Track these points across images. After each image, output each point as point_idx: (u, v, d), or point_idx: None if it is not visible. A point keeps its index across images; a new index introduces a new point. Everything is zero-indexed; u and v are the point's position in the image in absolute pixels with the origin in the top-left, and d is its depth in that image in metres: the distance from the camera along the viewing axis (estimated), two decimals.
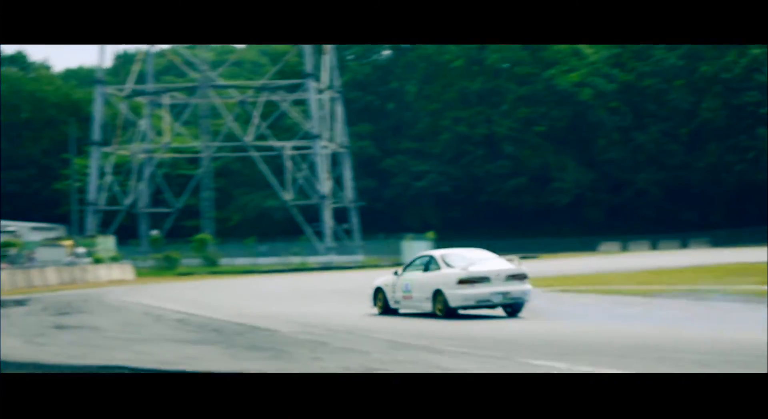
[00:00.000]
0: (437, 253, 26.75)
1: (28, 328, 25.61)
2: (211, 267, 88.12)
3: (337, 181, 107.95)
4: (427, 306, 25.46)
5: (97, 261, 75.89)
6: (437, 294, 25.12)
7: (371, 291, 27.91)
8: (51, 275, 63.52)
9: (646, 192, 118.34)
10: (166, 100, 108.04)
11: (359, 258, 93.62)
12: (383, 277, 27.99)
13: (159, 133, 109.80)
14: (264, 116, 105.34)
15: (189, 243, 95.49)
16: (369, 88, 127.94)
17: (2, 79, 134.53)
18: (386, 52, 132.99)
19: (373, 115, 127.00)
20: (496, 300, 24.80)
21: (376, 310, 27.31)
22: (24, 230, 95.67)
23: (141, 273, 79.34)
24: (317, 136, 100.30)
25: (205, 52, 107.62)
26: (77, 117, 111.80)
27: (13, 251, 77.42)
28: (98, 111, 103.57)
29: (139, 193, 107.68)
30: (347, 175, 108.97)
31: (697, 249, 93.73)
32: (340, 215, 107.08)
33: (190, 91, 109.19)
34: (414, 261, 27.14)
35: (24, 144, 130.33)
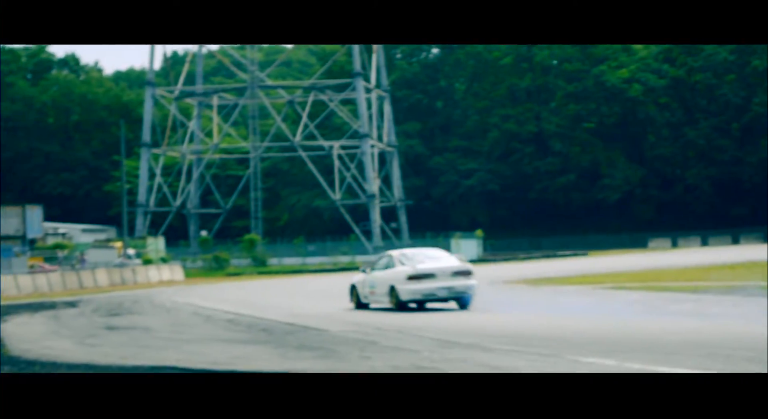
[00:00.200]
0: (395, 253, 29.62)
1: (79, 329, 25.78)
2: (260, 267, 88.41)
3: (386, 180, 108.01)
4: (386, 301, 28.21)
5: (147, 262, 76.37)
6: (392, 290, 27.84)
7: (348, 288, 30.75)
8: (101, 276, 63.96)
9: (696, 187, 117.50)
10: (215, 100, 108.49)
11: None
12: (357, 276, 30.63)
13: (208, 133, 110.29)
14: (312, 116, 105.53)
15: (238, 244, 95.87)
16: (417, 87, 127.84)
17: (54, 82, 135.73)
18: (435, 51, 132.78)
19: (422, 113, 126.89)
20: (441, 294, 27.36)
21: (352, 305, 30.12)
22: (75, 232, 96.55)
23: (190, 273, 79.75)
24: (366, 135, 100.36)
25: (254, 53, 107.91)
26: (127, 119, 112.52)
27: (64, 253, 78.08)
28: (148, 112, 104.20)
29: (189, 194, 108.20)
30: (395, 173, 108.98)
31: (748, 245, 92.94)
32: (389, 214, 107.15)
33: (239, 91, 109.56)
34: (379, 260, 29.74)
35: (75, 146, 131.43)
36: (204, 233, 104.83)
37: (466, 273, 27.56)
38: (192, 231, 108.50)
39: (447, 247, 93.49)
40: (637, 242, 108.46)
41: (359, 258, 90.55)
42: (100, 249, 78.79)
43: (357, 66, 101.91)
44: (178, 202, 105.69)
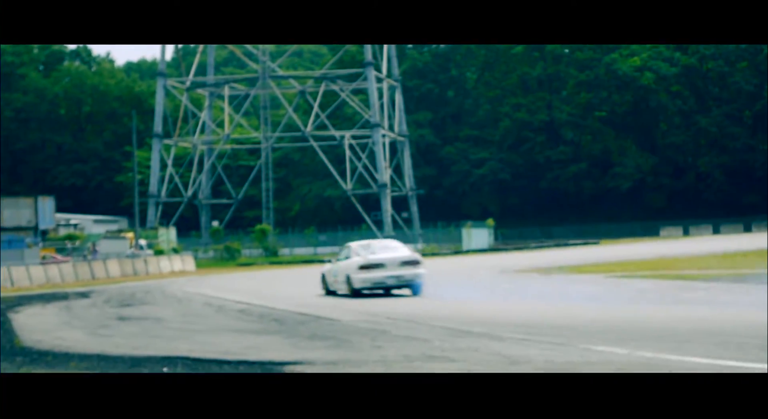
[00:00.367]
0: (353, 245, 32.44)
1: (91, 320, 25.84)
2: (272, 257, 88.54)
3: (397, 170, 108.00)
4: (344, 288, 30.94)
5: (159, 252, 76.54)
6: (347, 278, 30.62)
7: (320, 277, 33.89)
8: (113, 267, 64.11)
9: (708, 176, 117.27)
10: (226, 91, 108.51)
11: (419, 246, 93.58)
12: (326, 266, 33.80)
13: (219, 124, 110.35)
14: (323, 106, 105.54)
15: (249, 234, 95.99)
16: (428, 76, 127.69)
17: (66, 73, 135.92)
18: None
19: (433, 103, 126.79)
20: (390, 282, 30.06)
21: (323, 292, 33.06)
22: (87, 223, 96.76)
23: (202, 264, 79.89)
24: (377, 125, 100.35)
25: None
26: (139, 110, 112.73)
27: (76, 244, 78.24)
28: (159, 103, 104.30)
29: (200, 184, 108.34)
30: (407, 163, 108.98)
31: (760, 233, 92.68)
32: (400, 204, 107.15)
33: (251, 82, 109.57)
34: (342, 252, 32.68)
35: (87, 137, 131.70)
36: (215, 223, 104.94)
37: (414, 263, 30.20)
38: (203, 222, 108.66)
39: (458, 236, 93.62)
40: (649, 230, 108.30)
41: None
42: (111, 240, 78.94)
43: (368, 56, 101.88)
44: (190, 192, 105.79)
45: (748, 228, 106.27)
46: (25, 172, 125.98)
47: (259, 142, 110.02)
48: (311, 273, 55.00)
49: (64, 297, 39.60)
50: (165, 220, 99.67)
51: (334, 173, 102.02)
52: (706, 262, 41.58)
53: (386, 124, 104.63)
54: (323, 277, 33.45)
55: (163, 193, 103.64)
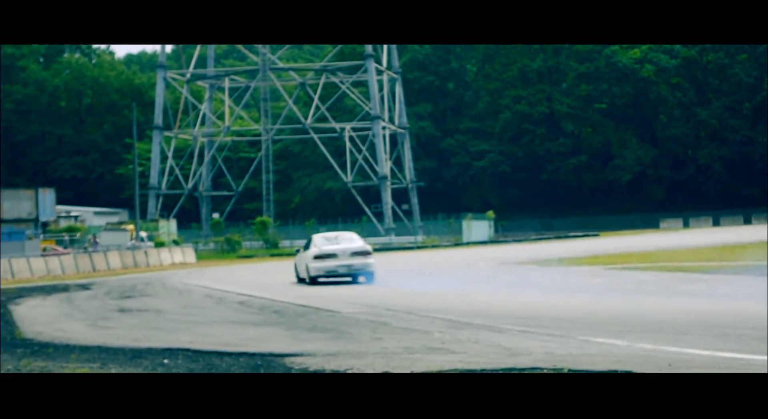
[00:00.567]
0: (315, 237, 35.38)
1: (92, 312, 25.88)
2: (272, 249, 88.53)
3: (397, 162, 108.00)
4: (306, 276, 33.86)
5: (159, 244, 76.51)
6: (306, 267, 33.67)
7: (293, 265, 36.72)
8: (114, 259, 64.12)
9: (708, 168, 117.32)
10: (226, 83, 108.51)
11: (419, 238, 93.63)
12: (297, 256, 36.23)
13: (220, 116, 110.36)
14: (324, 98, 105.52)
15: (250, 226, 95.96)
16: (429, 68, 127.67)
17: (66, 65, 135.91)
18: None
19: (433, 95, 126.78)
20: (342, 271, 33.12)
21: (295, 280, 35.90)
22: (87, 215, 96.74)
23: (202, 256, 79.90)
24: (377, 117, 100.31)
25: None
26: (139, 102, 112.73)
27: (76, 236, 78.25)
28: (159, 95, 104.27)
29: (200, 176, 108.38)
30: (407, 155, 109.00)
31: (760, 225, 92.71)
32: (400, 196, 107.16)
33: (251, 74, 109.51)
34: (307, 243, 35.26)
35: (87, 129, 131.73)
36: (216, 215, 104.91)
37: (365, 254, 33.38)
38: (204, 214, 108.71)
39: (458, 228, 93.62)
40: (649, 222, 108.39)
41: (371, 240, 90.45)
42: (112, 232, 78.89)
43: (368, 48, 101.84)
44: (190, 184, 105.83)
45: (747, 221, 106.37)
46: (26, 164, 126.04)
47: (259, 134, 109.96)
48: None
49: (64, 288, 39.63)
50: (165, 212, 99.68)
51: (335, 165, 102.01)
52: (705, 254, 41.61)
53: (386, 116, 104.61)
54: (295, 266, 36.18)
55: (164, 185, 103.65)
